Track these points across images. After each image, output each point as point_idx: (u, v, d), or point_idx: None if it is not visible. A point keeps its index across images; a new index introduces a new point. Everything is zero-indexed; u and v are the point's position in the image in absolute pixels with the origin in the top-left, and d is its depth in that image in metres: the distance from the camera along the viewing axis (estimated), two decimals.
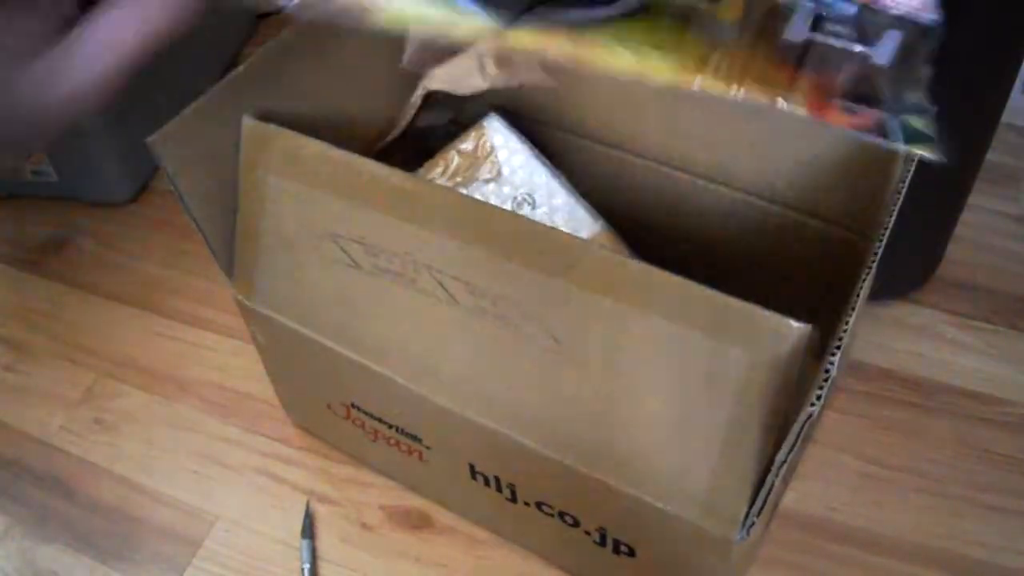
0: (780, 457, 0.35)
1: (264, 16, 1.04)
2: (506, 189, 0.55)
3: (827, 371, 0.32)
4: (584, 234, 0.54)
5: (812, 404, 0.32)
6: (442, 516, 0.58)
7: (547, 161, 0.57)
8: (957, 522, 0.58)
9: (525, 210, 0.55)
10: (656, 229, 0.60)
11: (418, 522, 0.58)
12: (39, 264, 0.78)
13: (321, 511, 0.59)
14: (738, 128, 0.55)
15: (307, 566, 0.56)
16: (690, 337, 0.38)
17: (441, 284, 0.44)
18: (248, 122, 0.48)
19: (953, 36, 0.54)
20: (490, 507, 0.53)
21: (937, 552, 0.56)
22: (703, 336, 0.38)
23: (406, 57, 0.60)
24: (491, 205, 0.42)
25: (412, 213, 0.44)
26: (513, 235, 0.41)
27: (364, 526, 0.58)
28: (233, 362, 0.69)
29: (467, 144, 0.57)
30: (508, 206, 0.55)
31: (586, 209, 0.56)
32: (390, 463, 0.58)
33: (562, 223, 0.55)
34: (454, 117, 0.67)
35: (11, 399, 0.67)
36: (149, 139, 0.44)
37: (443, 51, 0.60)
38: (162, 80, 0.81)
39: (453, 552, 0.57)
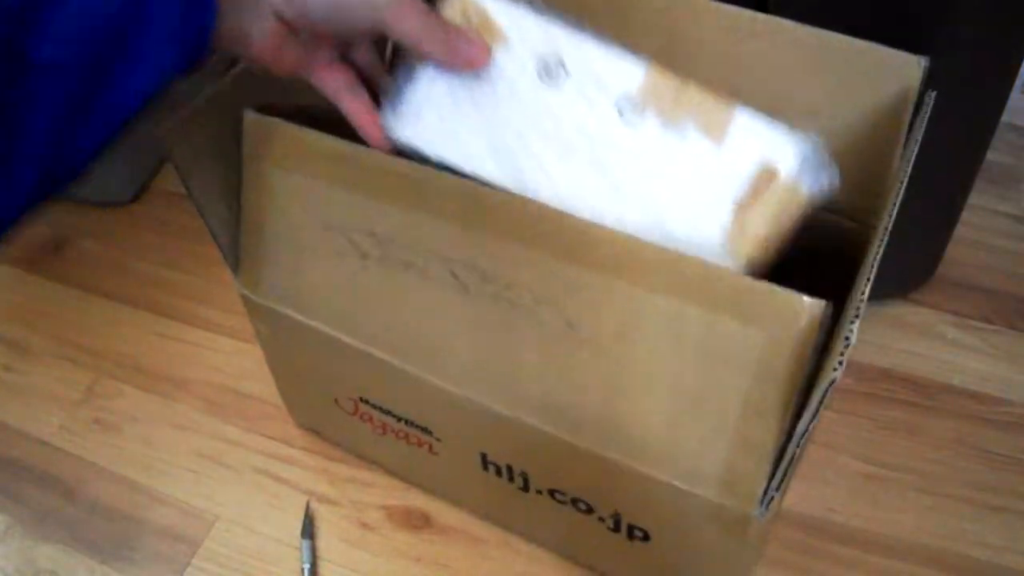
0: (802, 427, 0.36)
1: None
2: (522, 54, 0.44)
3: (847, 338, 0.33)
4: (637, 83, 0.45)
5: (834, 370, 0.32)
6: (442, 516, 0.58)
7: (560, 13, 0.46)
8: (957, 522, 0.58)
9: (560, 79, 0.44)
10: None
11: (418, 522, 0.58)
12: (39, 264, 0.78)
13: (321, 511, 0.59)
14: None
15: (307, 566, 0.56)
16: (705, 317, 0.38)
17: (452, 272, 0.44)
18: (250, 116, 0.48)
19: (953, 36, 0.54)
20: (501, 499, 0.53)
21: (937, 552, 0.56)
22: (718, 315, 0.38)
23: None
24: (500, 191, 0.42)
25: (420, 201, 0.44)
26: (523, 219, 0.41)
27: (364, 526, 0.58)
28: (233, 362, 0.69)
29: (449, 13, 0.42)
30: (532, 76, 0.44)
31: (626, 56, 0.45)
32: (399, 458, 0.58)
33: (612, 85, 0.45)
34: None
35: (11, 399, 0.67)
36: (158, 130, 0.44)
37: None
38: None
39: (453, 552, 0.57)
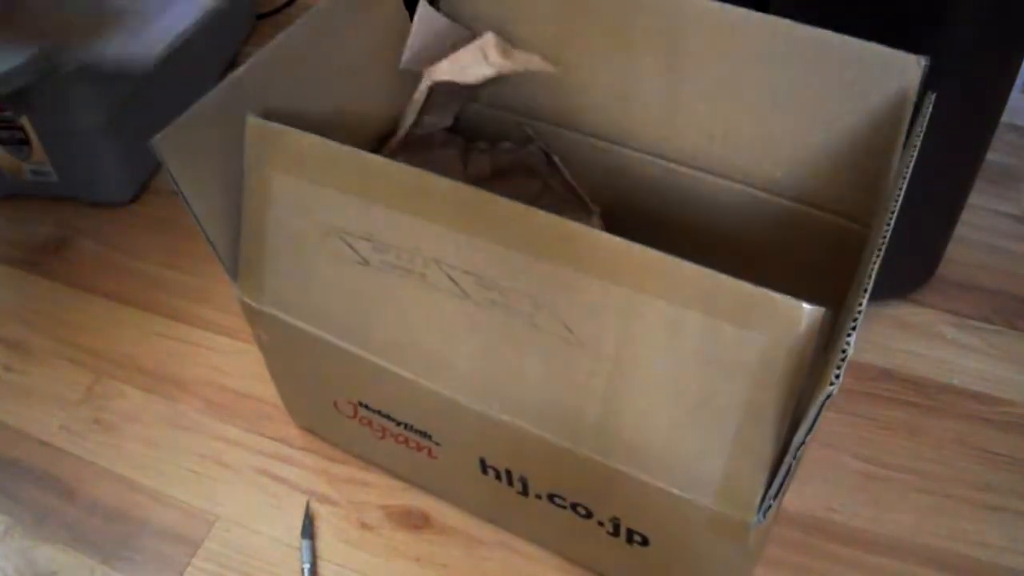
0: (798, 438, 0.36)
1: (264, 16, 1.04)
2: None
3: (844, 350, 0.33)
4: None
5: (831, 383, 0.33)
6: (442, 516, 0.58)
7: None
8: (957, 522, 0.58)
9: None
10: (656, 222, 0.60)
11: (418, 522, 0.58)
12: (39, 264, 0.78)
13: (321, 511, 0.59)
14: (736, 120, 0.55)
15: (307, 566, 0.56)
16: (705, 322, 0.38)
17: (451, 278, 0.44)
18: (253, 121, 0.48)
19: (953, 36, 0.54)
20: (500, 502, 0.53)
21: (937, 552, 0.56)
22: (717, 321, 0.38)
23: (405, 58, 0.60)
24: (500, 197, 0.42)
25: (420, 208, 0.44)
26: (523, 226, 0.41)
27: (364, 526, 0.58)
28: (233, 362, 0.69)
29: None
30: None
31: None
32: (398, 461, 0.58)
33: None
34: (454, 125, 0.67)
35: (11, 399, 0.67)
36: (153, 139, 0.44)
37: (443, 50, 0.60)
38: (162, 80, 0.81)
39: (453, 552, 0.57)
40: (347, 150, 0.45)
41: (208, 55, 0.92)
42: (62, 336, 0.71)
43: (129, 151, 0.79)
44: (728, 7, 0.52)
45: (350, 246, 0.46)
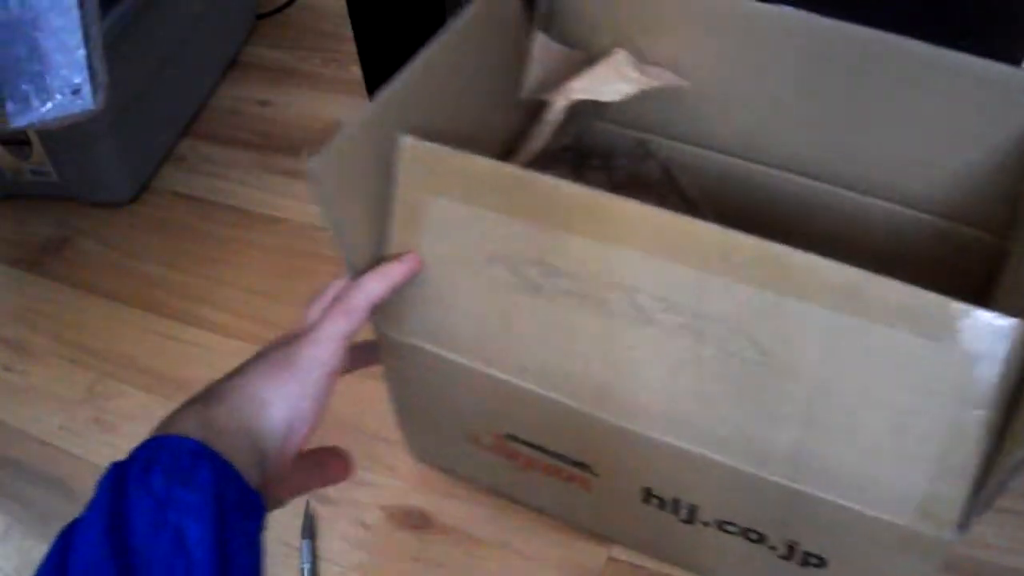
0: (1019, 455, 0.35)
1: (264, 16, 1.04)
2: None
3: None
4: None
5: None
6: (442, 516, 0.58)
7: None
8: None
9: None
10: (784, 239, 0.59)
11: (418, 522, 0.58)
12: (39, 264, 0.78)
13: (321, 511, 0.59)
14: (877, 136, 0.53)
15: (307, 566, 0.56)
16: (907, 340, 0.37)
17: (635, 303, 0.42)
18: (407, 140, 0.44)
19: (954, 36, 0.54)
20: (658, 530, 0.50)
21: None
22: (920, 338, 0.37)
23: (526, 87, 0.57)
24: (690, 219, 0.40)
25: (604, 231, 0.42)
26: (718, 248, 0.40)
27: (364, 526, 0.58)
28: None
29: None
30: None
31: None
32: (541, 493, 0.55)
33: None
34: (569, 143, 0.63)
35: (11, 399, 0.67)
36: (309, 163, 0.40)
37: (562, 76, 0.57)
38: (162, 81, 0.81)
39: (453, 552, 0.57)
40: (516, 171, 0.43)
41: (208, 55, 0.92)
42: (62, 336, 0.71)
43: (129, 151, 0.79)
44: (871, 31, 0.50)
45: (515, 271, 0.44)
